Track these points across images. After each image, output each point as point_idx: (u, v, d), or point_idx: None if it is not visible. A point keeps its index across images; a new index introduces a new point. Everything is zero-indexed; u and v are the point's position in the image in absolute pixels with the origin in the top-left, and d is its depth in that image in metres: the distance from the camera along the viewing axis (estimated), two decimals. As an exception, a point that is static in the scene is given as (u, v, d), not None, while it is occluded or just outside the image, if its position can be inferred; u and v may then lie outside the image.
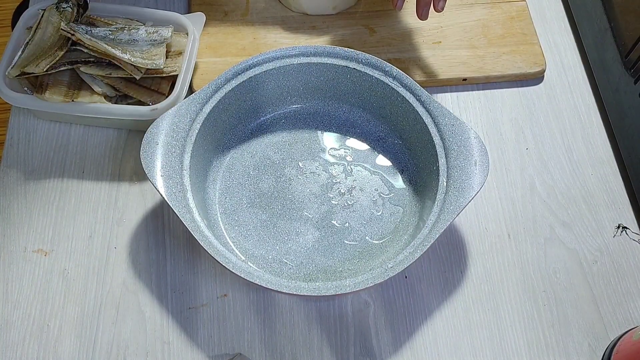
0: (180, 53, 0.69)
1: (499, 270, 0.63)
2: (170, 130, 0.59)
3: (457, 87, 0.73)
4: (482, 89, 0.73)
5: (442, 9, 0.67)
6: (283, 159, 0.66)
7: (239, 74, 0.63)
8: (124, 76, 0.66)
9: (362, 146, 0.67)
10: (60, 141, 0.68)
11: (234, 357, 0.57)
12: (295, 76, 0.65)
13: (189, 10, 0.78)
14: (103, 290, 0.61)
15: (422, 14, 0.67)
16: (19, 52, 0.66)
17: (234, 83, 0.63)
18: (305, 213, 0.63)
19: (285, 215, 0.63)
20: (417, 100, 0.62)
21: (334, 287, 0.53)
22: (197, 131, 0.60)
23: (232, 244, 0.61)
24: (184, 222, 0.55)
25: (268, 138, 0.67)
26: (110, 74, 0.65)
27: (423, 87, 0.62)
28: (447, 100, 0.73)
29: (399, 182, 0.65)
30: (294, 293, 0.53)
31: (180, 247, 0.63)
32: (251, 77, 0.63)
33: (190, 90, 0.69)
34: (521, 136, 0.70)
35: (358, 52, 0.64)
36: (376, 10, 0.77)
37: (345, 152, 0.67)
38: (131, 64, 0.65)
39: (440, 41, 0.75)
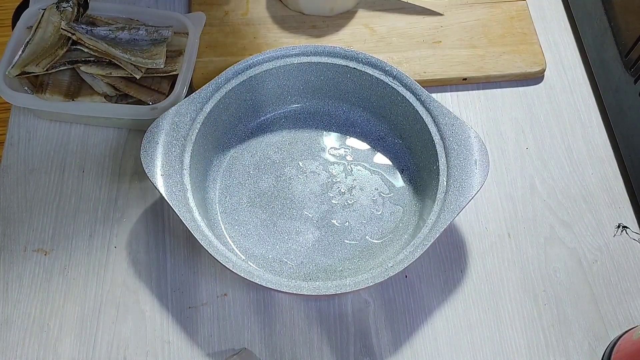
0: (180, 52, 0.69)
1: (499, 270, 0.63)
2: (170, 129, 0.59)
3: (457, 86, 0.73)
4: (482, 89, 0.73)
5: None
6: (283, 159, 0.66)
7: (239, 73, 0.63)
8: (124, 75, 0.66)
9: (362, 145, 0.67)
10: (61, 140, 0.68)
11: (240, 352, 0.57)
12: (295, 75, 0.65)
13: (189, 9, 0.78)
14: (103, 290, 0.61)
15: None
16: (20, 52, 0.66)
17: (234, 82, 0.63)
18: (306, 212, 0.63)
19: (286, 214, 0.63)
20: (417, 99, 0.62)
21: (334, 286, 0.53)
22: (197, 130, 0.60)
23: (232, 244, 0.61)
24: (184, 222, 0.55)
25: (268, 137, 0.67)
26: (111, 74, 0.65)
27: (423, 86, 0.62)
28: (447, 99, 0.73)
29: (399, 181, 0.65)
30: (294, 292, 0.53)
31: (180, 247, 0.63)
32: (251, 76, 0.63)
33: (191, 90, 0.69)
34: (521, 136, 0.70)
35: (358, 51, 0.64)
36: (376, 10, 0.77)
37: (345, 151, 0.67)
38: (131, 64, 0.65)
39: (441, 41, 0.75)
